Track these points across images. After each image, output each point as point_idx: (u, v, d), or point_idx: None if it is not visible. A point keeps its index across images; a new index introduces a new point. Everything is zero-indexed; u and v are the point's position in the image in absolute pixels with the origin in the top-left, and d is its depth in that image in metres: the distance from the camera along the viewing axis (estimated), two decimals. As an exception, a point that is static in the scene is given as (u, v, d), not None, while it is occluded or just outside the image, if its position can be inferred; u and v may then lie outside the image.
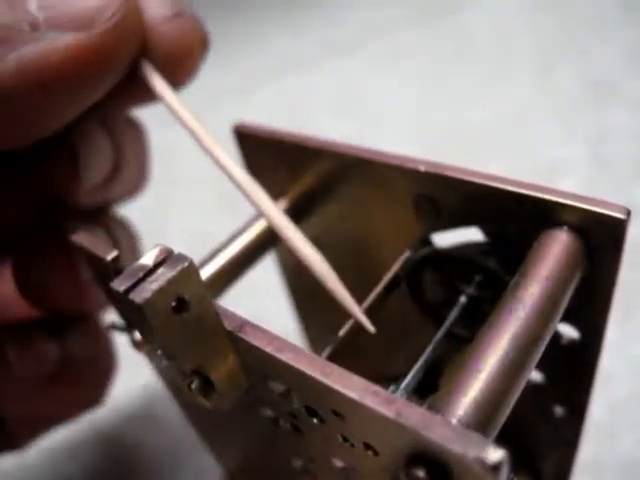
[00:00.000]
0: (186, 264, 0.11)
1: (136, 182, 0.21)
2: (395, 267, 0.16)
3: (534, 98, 0.47)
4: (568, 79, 0.48)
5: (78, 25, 0.13)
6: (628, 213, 0.13)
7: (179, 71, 0.16)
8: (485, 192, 0.14)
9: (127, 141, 0.19)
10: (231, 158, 0.15)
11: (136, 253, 0.21)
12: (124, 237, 0.20)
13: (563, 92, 0.47)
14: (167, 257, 0.11)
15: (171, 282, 0.10)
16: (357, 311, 0.14)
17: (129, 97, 0.17)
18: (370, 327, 0.14)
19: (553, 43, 0.53)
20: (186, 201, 0.44)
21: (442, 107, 0.48)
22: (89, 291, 0.18)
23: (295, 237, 0.14)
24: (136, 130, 0.20)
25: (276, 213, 0.15)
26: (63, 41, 0.13)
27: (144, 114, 0.20)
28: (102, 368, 0.20)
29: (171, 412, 0.27)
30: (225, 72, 0.60)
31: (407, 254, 0.16)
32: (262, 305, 0.32)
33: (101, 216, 0.20)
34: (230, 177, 0.15)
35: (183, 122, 0.15)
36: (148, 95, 0.16)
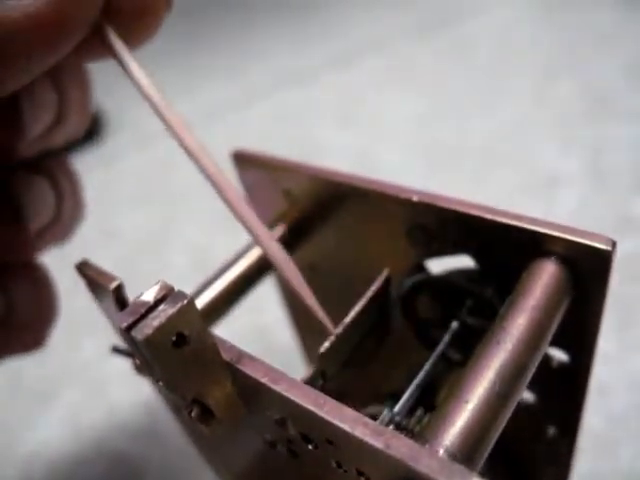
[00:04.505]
0: (185, 301, 0.11)
1: (78, 126, 0.20)
2: (377, 284, 0.16)
3: (533, 111, 0.47)
4: (567, 92, 0.48)
5: None
6: (613, 244, 0.13)
7: (142, 30, 0.15)
8: (475, 222, 0.15)
9: (72, 89, 0.18)
10: (189, 130, 0.14)
11: (78, 198, 0.21)
12: (67, 182, 0.20)
13: (562, 105, 0.47)
14: (167, 294, 0.11)
15: (171, 319, 0.11)
16: (317, 308, 0.14)
17: (85, 54, 0.16)
18: (331, 328, 0.15)
19: (552, 56, 0.53)
20: (188, 214, 0.44)
21: (442, 119, 0.48)
22: (34, 242, 0.18)
23: (262, 233, 0.14)
24: (81, 75, 0.19)
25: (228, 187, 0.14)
26: (21, 6, 0.12)
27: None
28: (44, 314, 0.20)
29: (174, 428, 0.27)
30: (224, 85, 0.61)
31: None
32: (268, 317, 0.33)
33: (43, 163, 0.19)
34: (181, 144, 0.14)
35: (141, 89, 0.14)
36: (105, 53, 0.15)
